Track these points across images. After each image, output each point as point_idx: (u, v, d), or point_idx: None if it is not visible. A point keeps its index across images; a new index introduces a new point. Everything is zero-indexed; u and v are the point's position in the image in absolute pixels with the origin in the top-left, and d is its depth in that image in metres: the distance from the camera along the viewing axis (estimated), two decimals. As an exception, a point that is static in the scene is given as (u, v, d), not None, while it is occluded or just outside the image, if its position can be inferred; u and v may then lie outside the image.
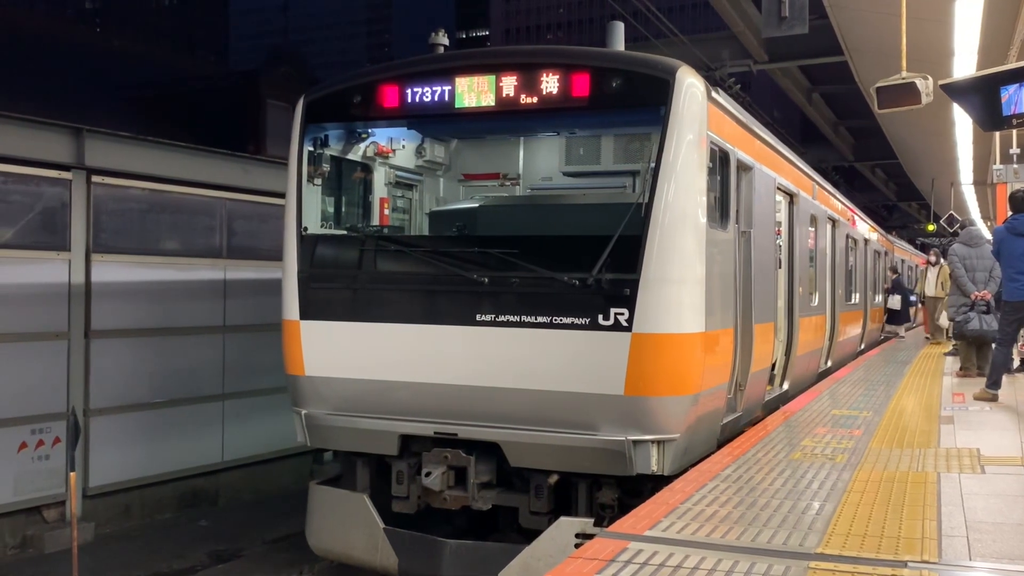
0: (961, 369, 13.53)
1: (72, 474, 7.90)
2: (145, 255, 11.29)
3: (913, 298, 23.42)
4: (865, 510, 5.51)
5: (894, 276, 22.80)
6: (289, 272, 8.13)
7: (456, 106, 7.73)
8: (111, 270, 10.80)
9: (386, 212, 9.09)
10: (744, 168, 8.79)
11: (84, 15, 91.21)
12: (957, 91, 8.99)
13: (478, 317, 7.36)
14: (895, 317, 22.39)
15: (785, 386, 10.93)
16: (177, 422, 11.60)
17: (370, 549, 7.88)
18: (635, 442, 6.90)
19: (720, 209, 8.08)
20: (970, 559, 4.57)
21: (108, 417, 10.77)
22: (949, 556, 4.61)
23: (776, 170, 10.26)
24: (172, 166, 11.67)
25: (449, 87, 7.73)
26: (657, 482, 6.85)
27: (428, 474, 7.47)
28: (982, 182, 27.10)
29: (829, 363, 14.48)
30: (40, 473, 10.00)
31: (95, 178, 10.64)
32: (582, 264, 7.00)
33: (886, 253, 24.39)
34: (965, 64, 13.96)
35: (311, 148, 8.36)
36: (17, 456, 9.81)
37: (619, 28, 8.32)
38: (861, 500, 5.77)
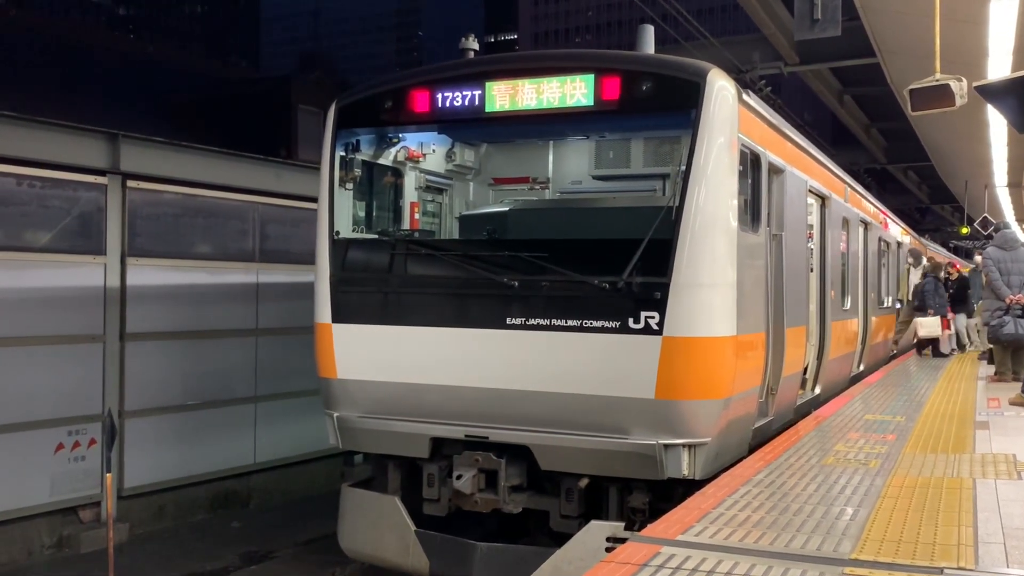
0: (996, 374, 13.37)
1: (108, 475, 8.02)
2: (179, 259, 11.45)
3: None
4: (900, 516, 5.46)
5: None
6: (321, 275, 8.19)
7: (487, 110, 7.76)
8: (146, 274, 10.95)
9: (416, 216, 9.13)
10: (775, 171, 8.75)
11: (118, 22, 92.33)
12: (992, 93, 8.88)
13: (508, 320, 7.38)
14: None
15: (817, 390, 10.85)
16: (210, 424, 11.74)
17: (401, 551, 7.91)
18: (666, 446, 6.88)
19: (751, 212, 8.03)
20: (1007, 566, 4.52)
21: (142, 419, 10.92)
22: (986, 563, 4.56)
23: (807, 173, 10.20)
24: (205, 171, 11.81)
25: (480, 91, 7.76)
26: (688, 486, 6.84)
27: (459, 477, 7.50)
28: (1017, 184, 26.75)
29: (861, 367, 14.35)
30: (76, 474, 10.15)
31: (130, 183, 10.80)
32: (612, 268, 6.99)
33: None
34: (1000, 65, 13.78)
35: (343, 153, 8.42)
36: (54, 457, 9.96)
37: (649, 31, 8.31)
38: (895, 506, 5.72)
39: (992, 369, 13.85)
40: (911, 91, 9.55)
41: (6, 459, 9.53)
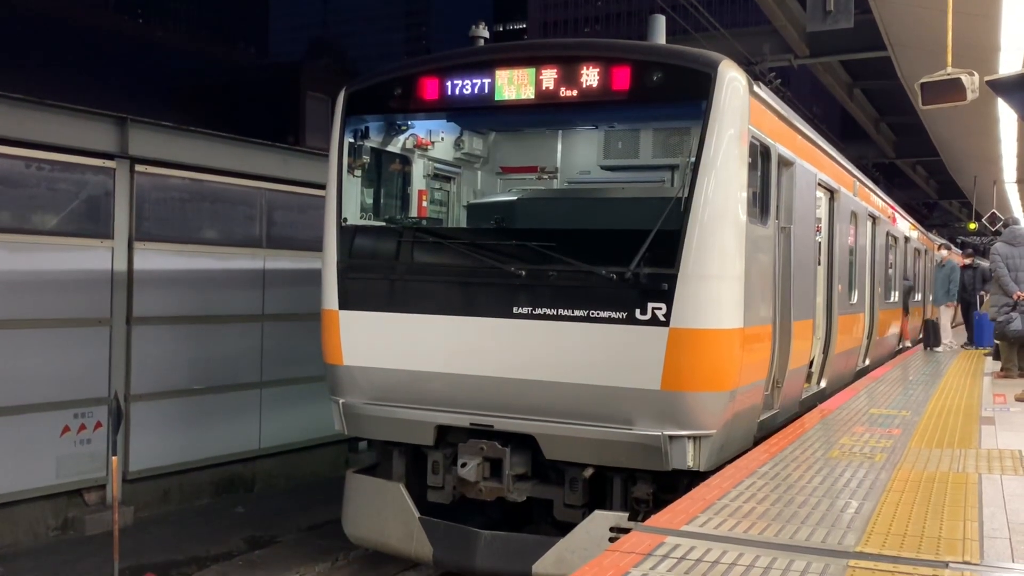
0: (1002, 370, 13.35)
1: (114, 458, 8.04)
2: (186, 244, 11.44)
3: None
4: (905, 510, 5.46)
5: None
6: (329, 262, 8.19)
7: (496, 99, 7.74)
8: (153, 258, 10.95)
9: (424, 204, 9.13)
10: (785, 163, 8.73)
11: (125, 6, 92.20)
12: (1003, 87, 8.87)
13: (515, 310, 7.37)
14: None
15: (823, 384, 10.84)
16: (215, 409, 11.76)
17: (405, 538, 7.93)
18: (671, 437, 6.89)
19: (760, 204, 8.02)
20: (1013, 561, 4.52)
21: (148, 403, 10.94)
22: (991, 557, 4.56)
23: (817, 166, 10.17)
24: (213, 156, 11.80)
25: (489, 80, 7.74)
26: (693, 478, 6.85)
27: (464, 465, 7.50)
28: (1027, 180, 26.64)
29: (867, 361, 14.33)
30: (82, 457, 10.17)
31: (138, 167, 10.79)
32: (620, 258, 6.98)
33: (926, 251, 24.09)
34: (1011, 60, 13.72)
35: (351, 140, 8.42)
36: (60, 440, 9.99)
37: (660, 21, 8.27)
38: (901, 500, 5.72)
39: (998, 365, 13.83)
40: (922, 85, 9.51)
41: (12, 441, 9.55)
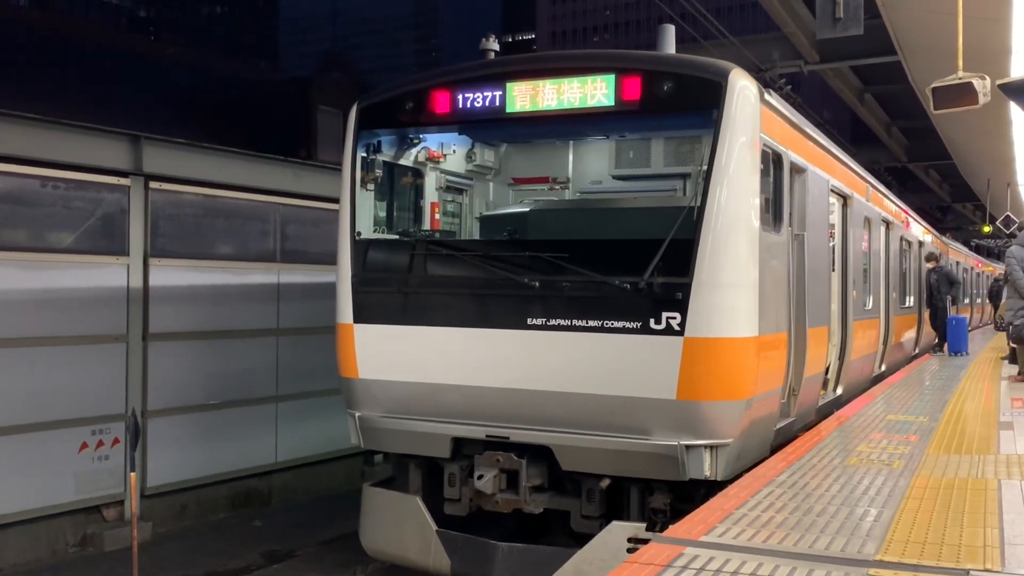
0: (1019, 374, 13.27)
1: (132, 474, 8.08)
2: (201, 259, 11.50)
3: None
4: (924, 517, 5.43)
5: None
6: (343, 276, 8.22)
7: (507, 111, 7.77)
8: (168, 274, 11.01)
9: (437, 216, 9.16)
10: (797, 170, 8.71)
11: (137, 24, 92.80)
12: (1015, 91, 8.84)
13: (529, 321, 7.38)
14: None
15: (839, 391, 10.79)
16: (232, 423, 11.80)
17: (423, 551, 7.94)
18: (688, 447, 6.87)
19: (773, 212, 8.01)
20: (1034, 568, 4.49)
21: (165, 418, 10.99)
22: (1012, 565, 4.53)
23: (829, 172, 10.15)
24: (226, 172, 11.87)
25: (500, 92, 7.77)
26: (710, 487, 6.83)
27: (480, 477, 7.51)
28: (1040, 182, 26.49)
29: (883, 367, 14.26)
30: (100, 473, 10.22)
31: (152, 184, 10.86)
32: (633, 268, 6.98)
33: (940, 254, 23.97)
34: (1023, 63, 13.67)
35: (364, 154, 8.46)
36: (78, 456, 10.04)
37: (670, 31, 8.29)
38: (920, 507, 5.69)
39: (1015, 369, 13.75)
40: (933, 89, 9.49)
41: (31, 458, 9.61)
